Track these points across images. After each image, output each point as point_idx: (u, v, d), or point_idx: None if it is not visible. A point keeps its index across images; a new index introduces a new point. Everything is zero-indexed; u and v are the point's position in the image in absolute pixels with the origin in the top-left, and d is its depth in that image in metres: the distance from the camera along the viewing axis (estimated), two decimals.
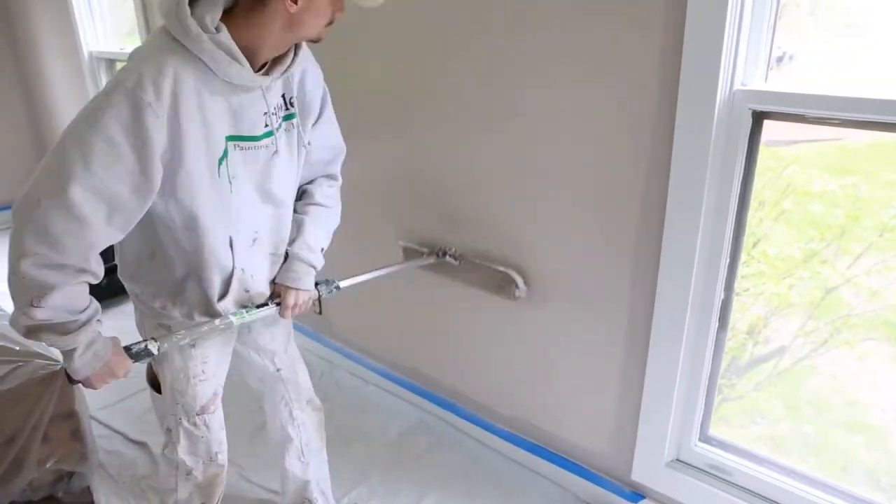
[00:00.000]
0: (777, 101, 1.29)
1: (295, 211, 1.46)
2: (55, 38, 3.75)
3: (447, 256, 1.91)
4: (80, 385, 1.25)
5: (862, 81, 1.29)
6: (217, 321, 1.34)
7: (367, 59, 2.00)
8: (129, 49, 2.19)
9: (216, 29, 1.12)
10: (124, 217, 1.14)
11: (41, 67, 4.03)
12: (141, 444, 2.14)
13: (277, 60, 1.24)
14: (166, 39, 1.12)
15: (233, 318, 1.35)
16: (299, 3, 1.13)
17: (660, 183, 1.44)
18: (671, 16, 1.31)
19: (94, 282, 1.17)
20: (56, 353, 1.70)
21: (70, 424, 1.82)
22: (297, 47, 1.26)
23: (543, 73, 1.56)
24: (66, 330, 1.14)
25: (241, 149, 1.25)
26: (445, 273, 1.98)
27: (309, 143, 1.39)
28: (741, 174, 1.38)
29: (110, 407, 2.32)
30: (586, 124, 1.53)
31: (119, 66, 2.72)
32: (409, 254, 2.05)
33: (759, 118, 1.33)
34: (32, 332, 1.13)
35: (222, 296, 1.35)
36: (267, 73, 1.22)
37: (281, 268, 1.45)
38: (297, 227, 1.45)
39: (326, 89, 1.42)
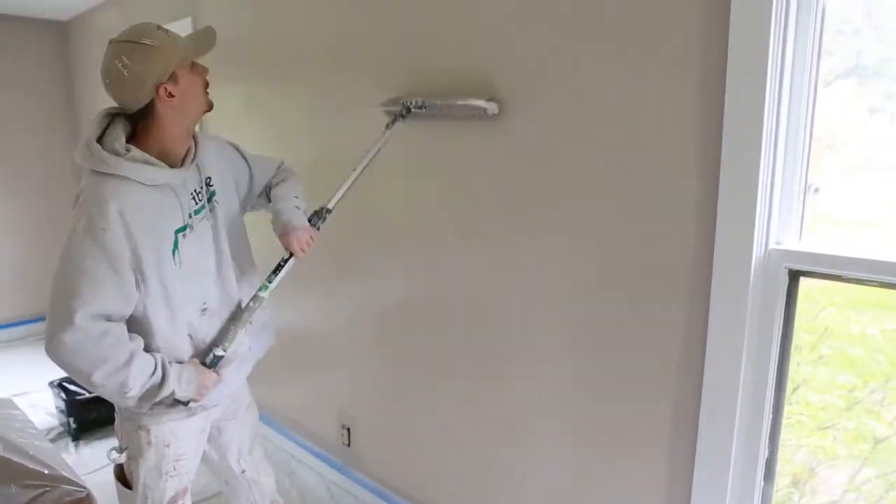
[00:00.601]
0: (813, 261, 1.29)
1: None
2: None
3: None
4: None
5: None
6: (252, 302, 1.54)
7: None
8: None
9: (126, 150, 1.31)
10: (122, 315, 1.34)
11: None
12: None
13: (187, 152, 1.45)
14: (94, 177, 1.31)
15: (264, 294, 1.55)
16: (175, 93, 1.33)
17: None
18: (706, 182, 1.35)
19: (143, 346, 1.36)
20: (82, 479, 1.86)
21: None
22: (195, 139, 1.46)
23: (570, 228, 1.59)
24: (157, 385, 1.37)
25: (185, 235, 1.42)
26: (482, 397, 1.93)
27: (251, 208, 1.68)
28: (780, 330, 1.36)
29: None
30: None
31: None
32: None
33: (794, 276, 1.33)
34: (140, 405, 1.39)
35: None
36: (181, 165, 1.42)
37: (272, 222, 1.60)
38: (269, 196, 1.66)
39: (234, 145, 1.64)
